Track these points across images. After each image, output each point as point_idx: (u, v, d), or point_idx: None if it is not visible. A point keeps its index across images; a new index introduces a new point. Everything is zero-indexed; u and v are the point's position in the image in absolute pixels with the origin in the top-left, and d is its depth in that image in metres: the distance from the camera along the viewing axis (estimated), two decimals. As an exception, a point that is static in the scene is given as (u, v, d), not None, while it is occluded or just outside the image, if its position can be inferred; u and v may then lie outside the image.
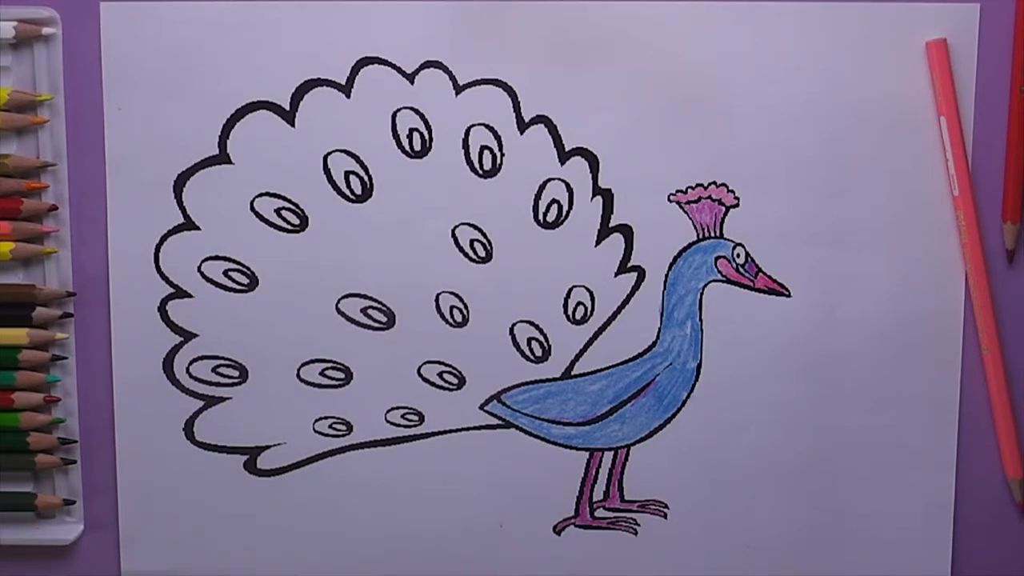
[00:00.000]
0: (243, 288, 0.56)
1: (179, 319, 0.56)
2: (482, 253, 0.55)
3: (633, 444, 0.57)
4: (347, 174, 0.55)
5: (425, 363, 0.56)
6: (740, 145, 0.54)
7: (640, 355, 0.56)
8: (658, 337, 0.56)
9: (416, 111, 0.54)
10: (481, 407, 0.57)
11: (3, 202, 0.54)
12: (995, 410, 0.56)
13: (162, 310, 0.56)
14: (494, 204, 0.55)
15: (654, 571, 0.58)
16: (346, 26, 0.54)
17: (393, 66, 0.54)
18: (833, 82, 0.54)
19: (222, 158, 0.55)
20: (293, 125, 0.54)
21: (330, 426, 0.57)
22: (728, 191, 0.55)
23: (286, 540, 0.58)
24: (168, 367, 0.56)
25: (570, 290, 0.56)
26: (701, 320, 0.56)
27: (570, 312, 0.56)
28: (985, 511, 0.57)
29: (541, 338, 0.56)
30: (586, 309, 0.56)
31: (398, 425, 0.57)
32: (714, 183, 0.55)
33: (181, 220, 0.55)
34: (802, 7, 0.53)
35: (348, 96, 0.54)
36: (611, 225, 0.55)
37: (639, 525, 0.57)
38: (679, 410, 0.56)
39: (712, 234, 0.55)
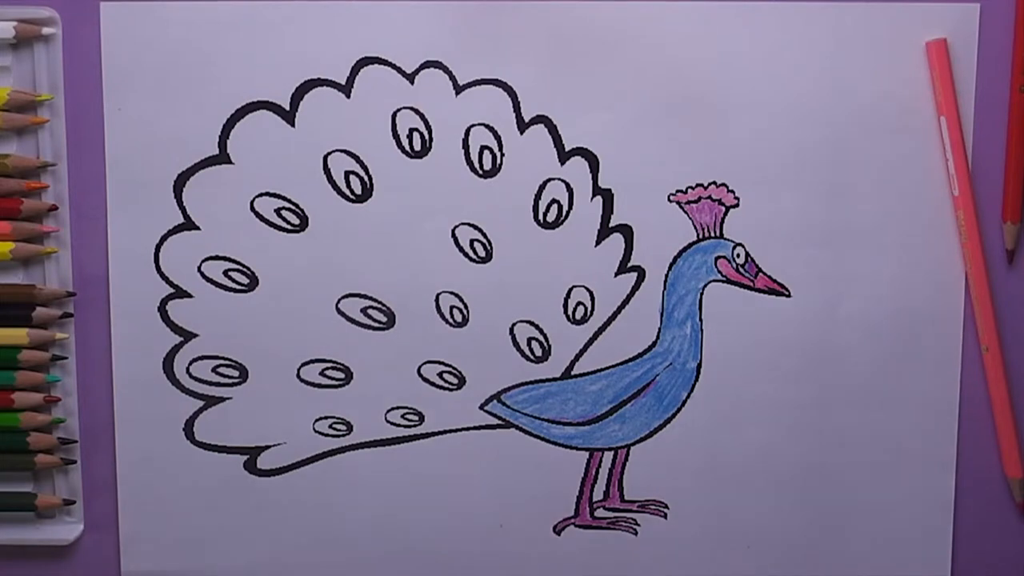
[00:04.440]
0: (243, 288, 0.56)
1: (179, 319, 0.56)
2: (482, 253, 0.55)
3: (633, 444, 0.57)
4: (347, 174, 0.55)
5: (425, 363, 0.56)
6: (740, 145, 0.54)
7: (640, 355, 0.56)
8: (658, 337, 0.56)
9: (416, 111, 0.54)
10: (481, 407, 0.57)
11: (3, 202, 0.54)
12: (995, 410, 0.56)
13: (162, 310, 0.56)
14: (494, 204, 0.55)
15: (654, 571, 0.58)
16: (346, 26, 0.54)
17: (393, 66, 0.54)
18: (833, 82, 0.54)
19: (222, 158, 0.55)
20: (293, 125, 0.54)
21: (330, 426, 0.57)
22: (728, 191, 0.55)
23: (286, 540, 0.58)
24: (168, 367, 0.56)
25: (570, 290, 0.56)
26: (701, 320, 0.56)
27: (570, 312, 0.56)
28: (985, 511, 0.57)
29: (541, 338, 0.56)
30: (586, 309, 0.56)
31: (398, 425, 0.57)
32: (714, 183, 0.55)
33: (181, 220, 0.55)
34: (802, 7, 0.53)
35: (348, 96, 0.54)
36: (611, 225, 0.55)
37: (639, 525, 0.58)
38: (679, 410, 0.56)
39: (712, 234, 0.55)
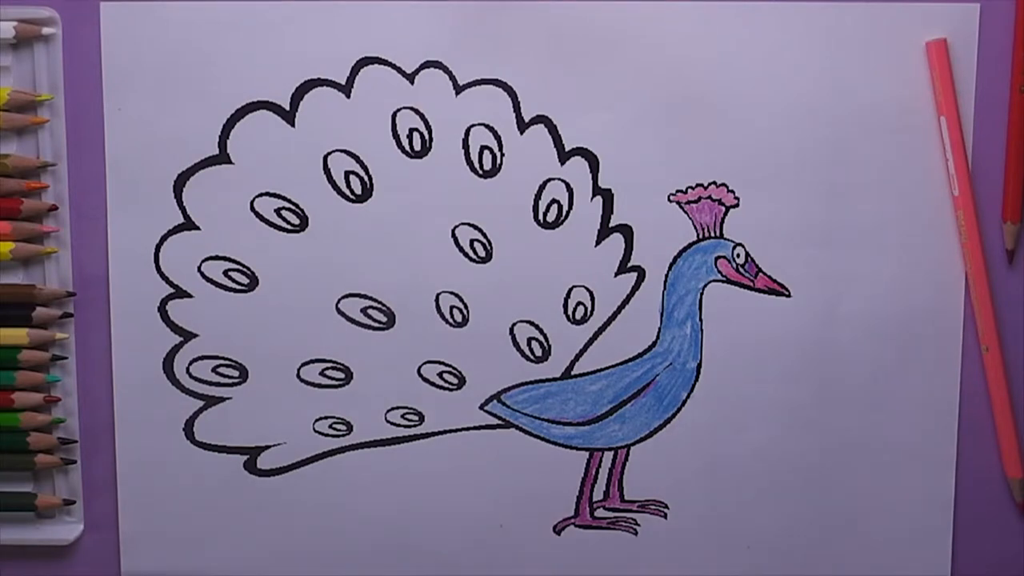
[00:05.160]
0: (243, 288, 0.56)
1: (179, 319, 0.56)
2: (482, 253, 0.55)
3: (633, 444, 0.57)
4: (347, 174, 0.55)
5: (425, 363, 0.56)
6: (740, 145, 0.54)
7: (640, 355, 0.56)
8: (658, 337, 0.56)
9: (416, 111, 0.54)
10: (481, 407, 0.57)
11: (3, 202, 0.54)
12: (995, 410, 0.56)
13: (162, 310, 0.56)
14: (494, 204, 0.55)
15: (654, 571, 0.58)
16: (346, 26, 0.54)
17: (393, 66, 0.54)
18: (833, 82, 0.54)
19: (222, 158, 0.55)
20: (293, 125, 0.54)
21: (330, 426, 0.57)
22: (728, 191, 0.55)
23: (286, 540, 0.58)
24: (168, 367, 0.56)
25: (570, 290, 0.56)
26: (701, 320, 0.56)
27: (570, 312, 0.56)
28: (985, 511, 0.57)
29: (541, 338, 0.56)
30: (586, 309, 0.56)
31: (398, 425, 0.57)
32: (714, 183, 0.55)
33: (181, 220, 0.55)
34: (802, 7, 0.53)
35: (348, 96, 0.54)
36: (611, 225, 0.55)
37: (639, 525, 0.58)
38: (679, 410, 0.56)
39: (712, 234, 0.55)
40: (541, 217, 0.55)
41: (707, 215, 0.55)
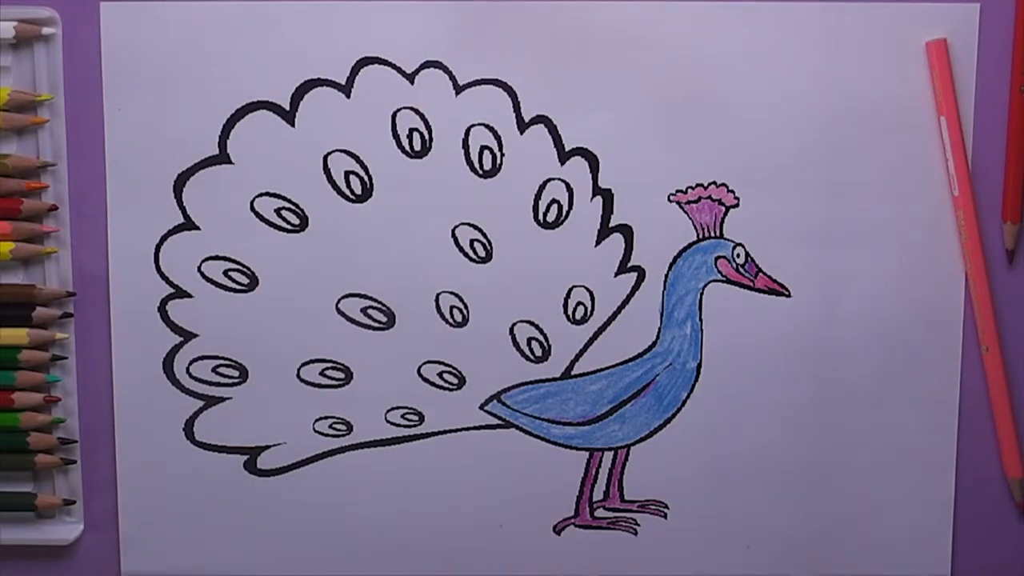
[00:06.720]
0: (243, 288, 0.56)
1: (179, 319, 0.56)
2: (482, 253, 0.55)
3: (633, 444, 0.57)
4: (347, 174, 0.55)
5: (425, 363, 0.56)
6: (740, 145, 0.54)
7: (640, 355, 0.56)
8: (658, 337, 0.56)
9: (416, 111, 0.54)
10: (481, 407, 0.57)
11: (3, 202, 0.54)
12: (995, 410, 0.56)
13: (162, 310, 0.56)
14: (494, 204, 0.55)
15: (654, 571, 0.58)
16: (346, 26, 0.54)
17: (393, 66, 0.54)
18: (833, 82, 0.54)
19: (222, 158, 0.55)
20: (293, 125, 0.54)
21: (330, 426, 0.57)
22: (728, 191, 0.55)
23: (286, 540, 0.58)
24: (168, 367, 0.56)
25: (570, 290, 0.56)
26: (701, 320, 0.56)
27: (570, 312, 0.56)
28: (985, 511, 0.57)
29: (541, 338, 0.56)
30: (586, 309, 0.56)
31: (398, 425, 0.57)
32: (714, 183, 0.55)
33: (181, 220, 0.55)
34: (802, 7, 0.53)
35: (348, 96, 0.54)
36: (611, 225, 0.55)
37: (639, 525, 0.58)
38: (679, 410, 0.56)
39: (712, 234, 0.55)
40: (541, 217, 0.55)
41: (707, 215, 0.55)
